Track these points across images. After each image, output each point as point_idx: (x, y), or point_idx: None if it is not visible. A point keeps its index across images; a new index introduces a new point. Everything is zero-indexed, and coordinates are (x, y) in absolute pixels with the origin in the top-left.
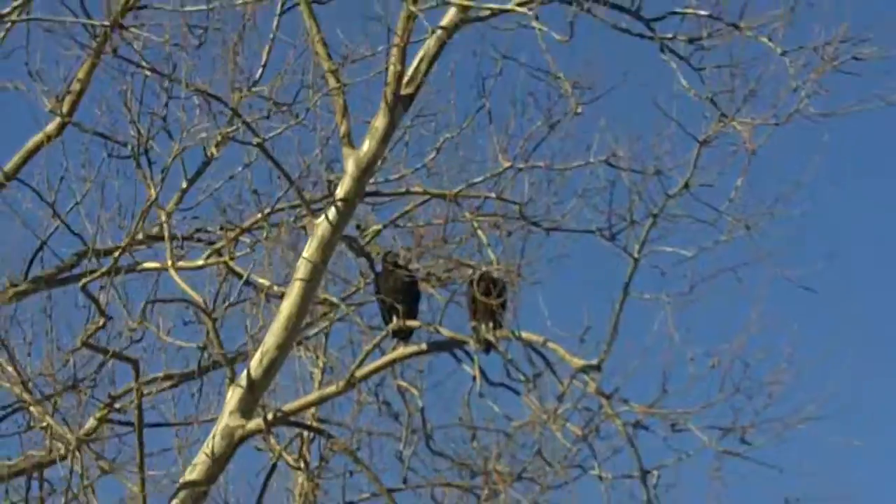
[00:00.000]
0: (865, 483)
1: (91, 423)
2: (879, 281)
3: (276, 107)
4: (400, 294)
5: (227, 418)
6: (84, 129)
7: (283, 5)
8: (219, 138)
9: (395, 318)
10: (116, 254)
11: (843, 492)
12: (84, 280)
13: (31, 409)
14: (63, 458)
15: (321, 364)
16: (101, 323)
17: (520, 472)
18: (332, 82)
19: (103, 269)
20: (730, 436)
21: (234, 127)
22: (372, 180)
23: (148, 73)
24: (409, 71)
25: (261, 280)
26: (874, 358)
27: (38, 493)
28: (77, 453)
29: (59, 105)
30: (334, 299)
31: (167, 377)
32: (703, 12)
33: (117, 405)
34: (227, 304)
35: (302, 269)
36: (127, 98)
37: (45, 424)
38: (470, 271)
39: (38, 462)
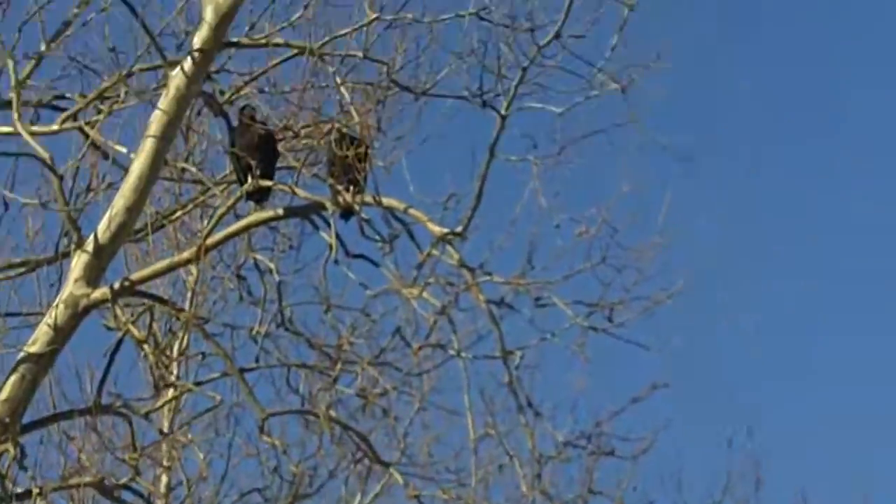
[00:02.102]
0: (735, 358)
1: None
2: (755, 146)
3: None
4: (256, 151)
5: (71, 286)
6: None
7: None
8: None
9: (249, 178)
10: None
11: (711, 370)
12: None
13: None
14: None
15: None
16: None
17: (378, 354)
18: None
19: None
20: (596, 312)
21: None
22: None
23: None
24: None
25: (116, 147)
26: (744, 225)
27: None
28: None
29: None
30: (191, 168)
31: (23, 263)
32: None
33: None
34: (74, 162)
35: (155, 125)
36: None
37: None
38: (329, 127)
39: None
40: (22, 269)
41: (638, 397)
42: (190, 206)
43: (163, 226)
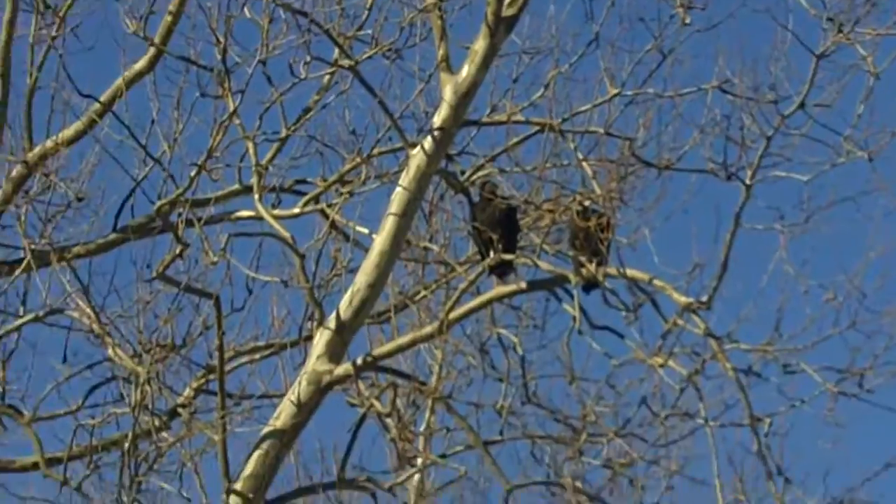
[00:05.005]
0: None
1: (188, 392)
2: None
3: (378, 46)
4: (498, 226)
5: (314, 362)
6: (175, 57)
7: None
8: (308, 59)
9: (491, 252)
10: (193, 173)
11: None
12: (160, 203)
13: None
14: (156, 430)
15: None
16: (178, 251)
17: (624, 425)
18: None
19: (178, 191)
20: (847, 378)
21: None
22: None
23: None
24: None
25: (357, 228)
26: None
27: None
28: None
29: (143, 29)
30: (434, 248)
31: (267, 346)
32: None
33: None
34: (315, 242)
35: (396, 202)
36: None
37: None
38: (570, 200)
39: (133, 434)
40: (266, 352)
41: (891, 463)
42: (433, 286)
43: (406, 306)
